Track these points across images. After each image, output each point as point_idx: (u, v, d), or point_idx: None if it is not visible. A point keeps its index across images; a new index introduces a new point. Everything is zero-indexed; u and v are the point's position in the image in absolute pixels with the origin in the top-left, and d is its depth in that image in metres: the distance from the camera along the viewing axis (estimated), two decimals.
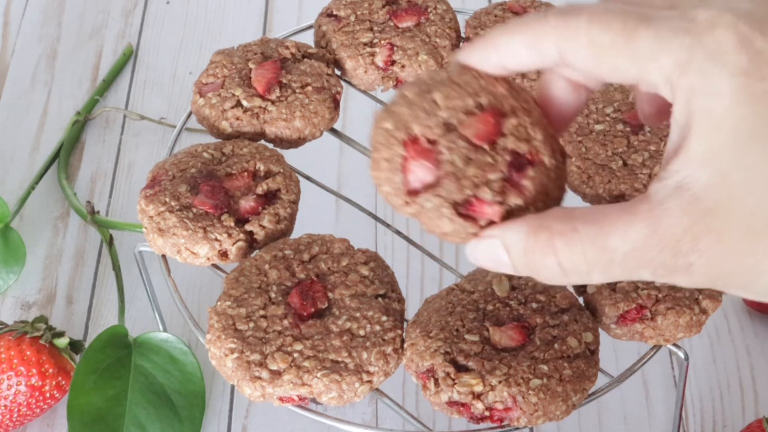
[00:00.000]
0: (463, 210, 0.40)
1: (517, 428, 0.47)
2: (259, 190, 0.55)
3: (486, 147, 0.40)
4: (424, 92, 0.41)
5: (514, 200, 0.39)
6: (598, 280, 0.37)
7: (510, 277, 0.51)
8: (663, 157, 0.39)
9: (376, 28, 0.64)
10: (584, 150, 0.57)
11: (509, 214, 0.39)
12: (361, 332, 0.49)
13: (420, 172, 0.40)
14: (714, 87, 0.34)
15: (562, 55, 0.38)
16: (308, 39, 0.65)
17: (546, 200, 0.40)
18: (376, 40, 0.63)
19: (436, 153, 0.40)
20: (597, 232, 0.36)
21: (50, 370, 0.60)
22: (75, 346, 0.63)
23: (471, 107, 0.40)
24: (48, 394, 0.60)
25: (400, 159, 0.40)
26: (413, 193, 0.40)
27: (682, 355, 0.52)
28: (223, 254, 0.53)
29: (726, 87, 0.34)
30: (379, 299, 0.51)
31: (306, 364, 0.48)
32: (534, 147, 0.40)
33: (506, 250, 0.39)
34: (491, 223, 0.40)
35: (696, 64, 0.35)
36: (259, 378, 0.48)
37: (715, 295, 0.51)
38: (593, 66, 0.37)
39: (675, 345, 0.51)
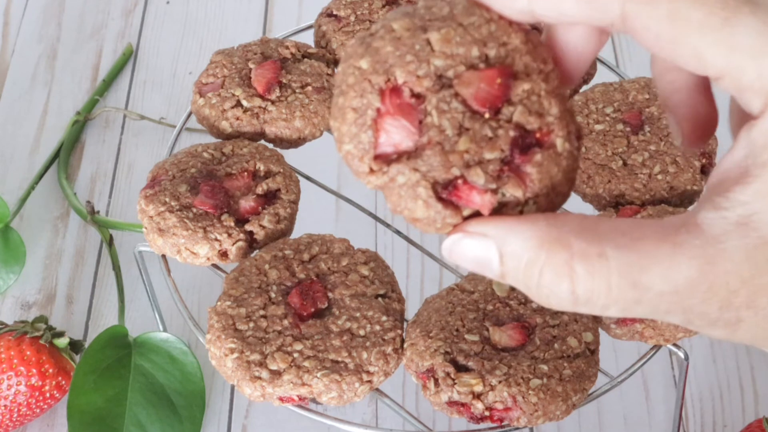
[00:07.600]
0: (445, 193, 0.32)
1: (517, 428, 0.47)
2: (259, 190, 0.55)
3: (486, 115, 0.32)
4: (417, 28, 0.32)
5: (512, 191, 0.32)
6: (611, 315, 0.30)
7: None
8: (717, 172, 0.31)
9: None
10: (584, 150, 0.57)
11: (500, 207, 0.32)
12: (361, 332, 0.49)
13: (396, 135, 0.32)
14: None
15: (628, 19, 0.29)
16: (308, 39, 0.65)
17: (550, 195, 0.32)
18: None
19: (421, 112, 0.32)
20: (631, 264, 0.29)
21: (50, 370, 0.60)
22: (75, 346, 0.63)
23: (475, 59, 0.32)
24: (48, 394, 0.60)
25: (373, 112, 0.32)
26: (383, 159, 0.32)
27: (682, 355, 0.51)
28: (223, 254, 0.53)
29: None
30: (379, 299, 0.51)
31: (306, 364, 0.48)
32: (546, 124, 0.32)
33: (500, 256, 0.31)
34: (476, 214, 0.32)
35: None
36: (259, 378, 0.48)
37: None
38: (668, 45, 0.29)
39: (675, 345, 0.51)
